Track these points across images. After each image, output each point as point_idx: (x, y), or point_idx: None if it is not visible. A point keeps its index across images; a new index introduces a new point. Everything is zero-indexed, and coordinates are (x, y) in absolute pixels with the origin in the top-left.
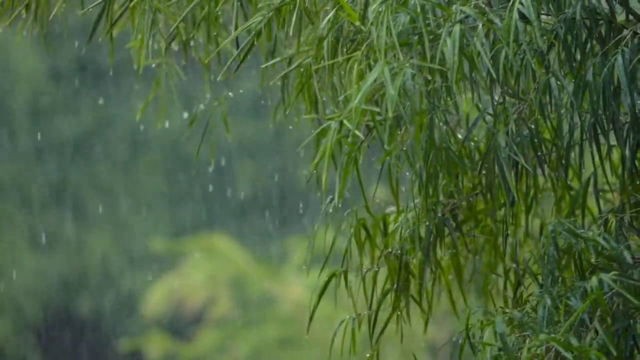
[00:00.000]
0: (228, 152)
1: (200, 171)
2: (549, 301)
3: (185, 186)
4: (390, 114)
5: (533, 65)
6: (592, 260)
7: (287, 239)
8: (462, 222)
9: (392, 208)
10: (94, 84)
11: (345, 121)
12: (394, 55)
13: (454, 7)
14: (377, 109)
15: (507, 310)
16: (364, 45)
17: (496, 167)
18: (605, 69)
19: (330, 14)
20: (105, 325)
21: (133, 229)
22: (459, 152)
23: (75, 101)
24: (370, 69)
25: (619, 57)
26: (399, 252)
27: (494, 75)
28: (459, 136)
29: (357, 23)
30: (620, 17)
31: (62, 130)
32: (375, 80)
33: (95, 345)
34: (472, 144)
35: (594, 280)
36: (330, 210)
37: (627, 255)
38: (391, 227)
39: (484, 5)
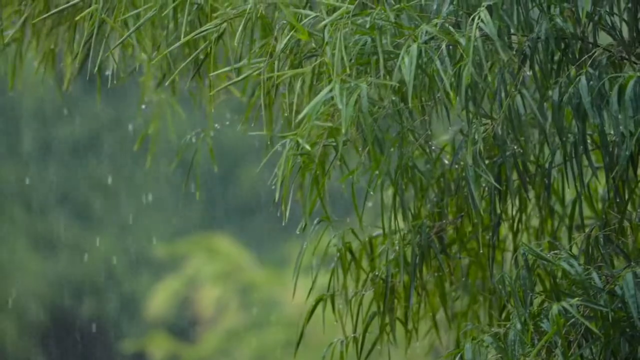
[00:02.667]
0: (233, 154)
1: (203, 173)
2: (518, 325)
3: (188, 188)
4: (344, 130)
5: (499, 82)
6: (563, 282)
7: (290, 241)
8: (448, 244)
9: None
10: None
11: (298, 138)
12: (350, 75)
13: (420, 28)
14: (329, 124)
15: (492, 329)
16: (316, 61)
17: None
18: (571, 88)
19: (287, 31)
20: (108, 327)
21: (136, 231)
22: (435, 173)
23: (79, 103)
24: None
25: (583, 78)
26: (385, 275)
27: (450, 93)
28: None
29: (307, 39)
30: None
31: (65, 132)
32: (331, 99)
33: (99, 347)
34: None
35: (554, 309)
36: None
37: (596, 279)
38: (377, 250)
39: (449, 26)
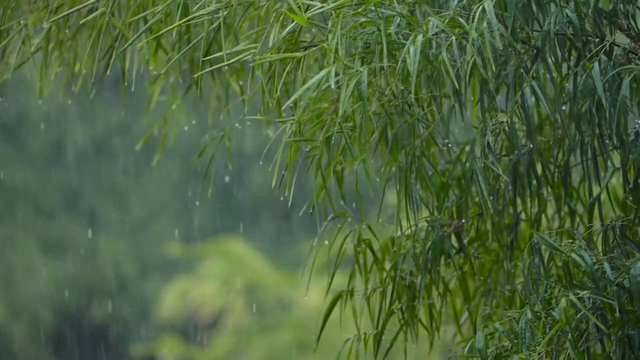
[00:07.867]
0: (243, 155)
1: (215, 176)
2: (529, 314)
3: (199, 191)
4: (340, 112)
5: (513, 75)
6: (574, 273)
7: (303, 243)
8: (469, 242)
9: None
10: (109, 91)
11: (294, 123)
12: (353, 61)
13: (428, 19)
14: (325, 104)
15: (506, 313)
16: (313, 49)
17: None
18: (584, 77)
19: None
20: (119, 330)
21: (147, 234)
22: (455, 173)
23: (89, 108)
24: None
25: (596, 65)
26: (403, 273)
27: (456, 86)
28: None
29: (305, 24)
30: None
31: (76, 136)
32: (324, 80)
33: (109, 350)
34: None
35: (563, 302)
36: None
37: (608, 270)
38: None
39: (460, 18)
